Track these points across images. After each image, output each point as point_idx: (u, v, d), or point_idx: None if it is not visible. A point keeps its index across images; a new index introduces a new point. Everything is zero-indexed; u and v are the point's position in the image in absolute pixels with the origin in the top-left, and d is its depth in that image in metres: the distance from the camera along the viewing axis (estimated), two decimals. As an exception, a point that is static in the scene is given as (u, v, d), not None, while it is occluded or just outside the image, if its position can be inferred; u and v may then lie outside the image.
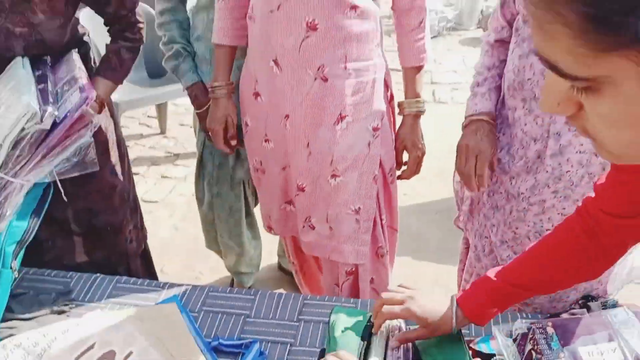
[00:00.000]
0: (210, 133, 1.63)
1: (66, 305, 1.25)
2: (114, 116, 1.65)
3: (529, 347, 0.99)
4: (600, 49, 0.42)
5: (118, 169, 1.65)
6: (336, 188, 1.48)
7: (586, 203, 0.93)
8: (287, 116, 1.45)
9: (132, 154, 3.48)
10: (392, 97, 1.58)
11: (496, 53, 1.37)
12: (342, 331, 1.03)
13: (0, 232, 1.20)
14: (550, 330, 1.00)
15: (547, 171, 1.24)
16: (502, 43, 1.37)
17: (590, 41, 0.42)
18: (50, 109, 1.25)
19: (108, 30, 1.56)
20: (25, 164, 1.22)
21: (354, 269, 1.58)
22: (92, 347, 1.03)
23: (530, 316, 1.19)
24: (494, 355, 1.04)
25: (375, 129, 1.45)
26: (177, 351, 1.00)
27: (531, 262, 0.97)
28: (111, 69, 1.52)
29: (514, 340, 1.03)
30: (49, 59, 1.44)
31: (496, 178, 1.37)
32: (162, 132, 3.80)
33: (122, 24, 1.53)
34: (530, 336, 1.01)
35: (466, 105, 1.39)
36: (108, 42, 1.56)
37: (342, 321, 1.06)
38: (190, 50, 1.77)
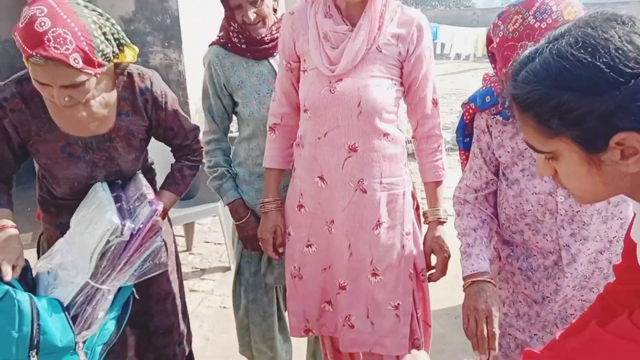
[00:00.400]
0: (261, 242, 1.84)
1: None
2: (171, 229, 1.87)
3: None
4: (546, 136, 0.79)
5: (173, 276, 1.83)
6: (377, 285, 1.66)
7: (606, 287, 1.08)
8: (332, 221, 1.68)
9: (161, 269, 3.65)
10: (417, 207, 1.78)
11: (477, 213, 1.49)
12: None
13: (93, 334, 1.34)
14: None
15: (566, 277, 1.40)
16: (484, 198, 1.51)
17: (540, 133, 0.79)
18: (128, 223, 1.45)
19: (173, 154, 1.83)
20: (111, 272, 1.40)
21: None
22: None
23: None
24: None
25: (407, 234, 1.66)
26: None
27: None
28: (175, 183, 1.79)
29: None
30: (119, 181, 1.68)
31: (512, 288, 1.51)
32: (188, 249, 3.99)
33: (186, 151, 1.82)
34: None
35: (462, 267, 1.43)
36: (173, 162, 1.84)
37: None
38: (232, 173, 2.02)
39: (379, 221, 1.64)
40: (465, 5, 27.06)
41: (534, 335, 1.51)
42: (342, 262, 1.68)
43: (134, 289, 1.56)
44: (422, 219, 1.80)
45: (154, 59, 5.04)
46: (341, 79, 1.57)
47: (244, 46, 1.90)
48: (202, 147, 1.84)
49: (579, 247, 1.38)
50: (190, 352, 1.99)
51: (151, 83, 1.68)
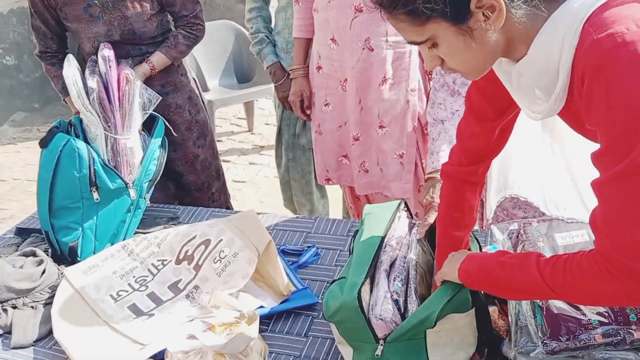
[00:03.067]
0: (291, 104, 2.06)
1: (174, 225, 1.68)
2: (198, 104, 2.08)
3: (516, 237, 1.28)
4: (419, 24, 0.82)
5: (201, 142, 2.08)
6: (384, 137, 1.85)
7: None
8: (345, 80, 1.85)
9: (224, 146, 4.02)
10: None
11: (449, 104, 1.52)
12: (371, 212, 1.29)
13: (139, 175, 1.62)
14: (535, 224, 1.28)
15: None
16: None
17: (414, 23, 0.83)
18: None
19: (175, 24, 1.98)
20: (115, 122, 1.58)
21: None
22: (194, 237, 1.44)
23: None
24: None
25: (412, 90, 1.80)
26: (254, 239, 1.38)
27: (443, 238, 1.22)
28: (167, 46, 1.91)
29: (509, 236, 1.31)
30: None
31: None
32: (250, 129, 4.31)
33: (183, 22, 1.93)
34: (519, 231, 1.29)
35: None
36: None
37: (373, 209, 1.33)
38: (271, 39, 2.21)
39: (384, 77, 1.78)
40: None
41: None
42: (355, 116, 1.86)
43: (163, 120, 1.75)
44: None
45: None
46: None
47: None
48: (200, 24, 1.95)
49: None
50: (228, 208, 2.29)
51: None
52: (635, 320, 1.00)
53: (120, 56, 1.79)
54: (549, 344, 1.00)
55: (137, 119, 1.65)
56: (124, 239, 1.58)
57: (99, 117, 1.58)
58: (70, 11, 1.80)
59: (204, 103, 2.17)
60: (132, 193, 1.61)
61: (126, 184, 1.59)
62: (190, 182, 2.11)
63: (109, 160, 1.59)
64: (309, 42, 1.99)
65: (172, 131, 1.91)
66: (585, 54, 0.76)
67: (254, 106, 4.29)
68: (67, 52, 1.94)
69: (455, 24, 0.81)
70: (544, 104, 0.88)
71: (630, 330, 0.99)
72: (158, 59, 1.90)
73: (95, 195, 1.54)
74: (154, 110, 1.73)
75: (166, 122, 1.80)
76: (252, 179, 3.53)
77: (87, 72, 1.63)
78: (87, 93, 1.57)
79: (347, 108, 1.89)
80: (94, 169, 1.53)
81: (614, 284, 0.78)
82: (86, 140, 1.61)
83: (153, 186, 1.69)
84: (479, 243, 1.30)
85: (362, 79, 1.80)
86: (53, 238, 1.53)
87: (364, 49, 1.77)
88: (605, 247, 0.78)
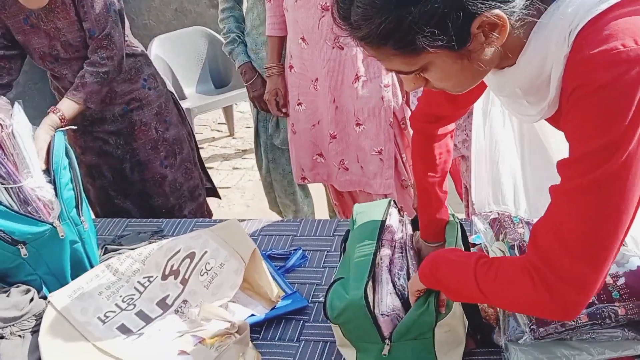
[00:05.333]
0: (267, 102, 2.05)
1: (159, 239, 1.67)
2: (169, 121, 1.99)
3: (497, 226, 1.28)
4: (412, 56, 0.76)
5: (169, 161, 2.00)
6: (361, 134, 1.86)
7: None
8: (316, 79, 1.85)
9: (206, 153, 4.00)
10: None
11: None
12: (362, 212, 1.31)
13: (60, 209, 1.41)
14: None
15: None
16: None
17: (406, 56, 0.76)
18: None
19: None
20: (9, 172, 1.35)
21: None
22: (178, 251, 1.43)
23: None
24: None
25: (386, 86, 1.80)
26: (239, 248, 1.37)
27: (423, 192, 1.24)
28: (73, 89, 1.74)
29: (490, 225, 1.32)
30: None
31: None
32: (231, 134, 4.29)
33: (93, 46, 1.75)
34: (499, 219, 1.30)
35: None
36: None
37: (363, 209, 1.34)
38: (242, 39, 2.22)
39: (357, 75, 1.78)
40: None
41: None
42: (330, 115, 1.87)
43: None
44: None
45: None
46: None
47: None
48: (112, 51, 1.75)
49: None
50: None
51: None
52: (618, 297, 1.01)
53: (71, 74, 1.76)
54: (536, 330, 1.01)
55: (34, 160, 1.43)
56: (91, 267, 1.49)
57: None
58: (13, 24, 1.77)
59: (182, 118, 2.10)
60: (61, 231, 1.42)
61: (51, 224, 1.40)
62: (159, 205, 2.04)
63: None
64: (282, 39, 1.98)
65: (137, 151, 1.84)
66: (576, 69, 0.72)
67: (233, 110, 4.28)
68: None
69: (456, 50, 0.75)
70: (535, 108, 0.85)
71: (614, 308, 1.00)
72: (67, 105, 1.72)
73: (24, 251, 1.36)
74: (119, 126, 1.69)
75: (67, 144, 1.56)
76: (237, 183, 3.52)
77: None
78: None
79: (320, 107, 1.90)
80: (1, 230, 1.32)
81: (533, 292, 0.77)
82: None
83: (85, 207, 1.54)
84: (462, 227, 1.29)
85: (335, 78, 1.81)
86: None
87: (333, 47, 1.77)
88: (537, 254, 0.77)
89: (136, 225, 1.77)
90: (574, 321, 1.00)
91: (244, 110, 4.62)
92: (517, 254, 1.13)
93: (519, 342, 1.03)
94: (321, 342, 1.23)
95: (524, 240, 1.16)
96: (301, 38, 1.81)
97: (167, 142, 1.99)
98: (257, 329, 1.29)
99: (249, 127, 4.38)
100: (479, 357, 1.12)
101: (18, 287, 1.40)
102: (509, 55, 0.80)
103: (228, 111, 4.20)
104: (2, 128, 1.39)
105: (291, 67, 1.92)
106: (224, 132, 4.36)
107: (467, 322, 1.08)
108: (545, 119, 0.90)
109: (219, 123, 4.53)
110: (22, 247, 1.35)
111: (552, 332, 1.00)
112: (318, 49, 1.79)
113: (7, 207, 1.34)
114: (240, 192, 3.40)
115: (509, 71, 0.82)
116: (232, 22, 2.21)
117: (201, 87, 4.12)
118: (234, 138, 4.25)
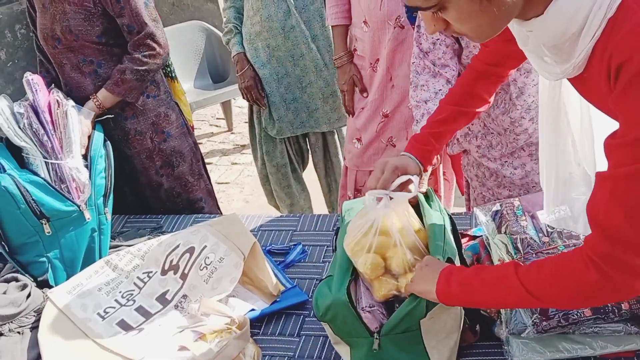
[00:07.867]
0: (346, 93, 2.01)
1: (158, 235, 1.66)
2: (167, 131, 1.89)
3: (499, 218, 1.28)
4: None
5: (165, 171, 1.92)
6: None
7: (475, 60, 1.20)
8: (377, 60, 1.89)
9: (205, 148, 3.98)
10: None
11: (432, 85, 1.54)
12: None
13: (90, 194, 1.52)
14: (517, 203, 1.28)
15: (517, 109, 1.51)
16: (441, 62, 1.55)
17: None
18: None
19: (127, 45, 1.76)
20: (53, 147, 1.48)
21: None
22: (177, 246, 1.42)
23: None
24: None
25: None
26: (239, 242, 1.36)
27: (443, 107, 1.23)
28: (112, 82, 1.74)
29: (492, 217, 1.31)
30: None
31: (482, 122, 1.63)
32: (230, 129, 4.27)
33: (134, 43, 1.72)
34: (502, 211, 1.29)
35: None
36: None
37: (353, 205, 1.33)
38: (240, 30, 2.23)
39: None
40: None
41: (505, 162, 1.64)
42: (385, 94, 1.90)
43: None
44: None
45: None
46: None
47: None
48: (153, 50, 1.73)
49: (524, 80, 1.49)
50: None
51: None
52: (622, 291, 1.00)
53: (70, 66, 1.76)
54: (539, 324, 1.00)
55: (77, 142, 1.54)
56: (100, 258, 1.53)
57: (34, 144, 1.48)
58: (36, 2, 1.75)
59: (187, 130, 1.98)
60: (87, 215, 1.51)
61: (78, 206, 1.48)
62: (155, 207, 1.99)
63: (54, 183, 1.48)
64: (346, 28, 1.98)
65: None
66: (624, 39, 0.67)
67: (232, 105, 4.25)
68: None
69: None
70: (557, 66, 0.82)
71: (618, 303, 1.00)
72: (104, 96, 1.75)
73: (47, 228, 1.45)
74: (111, 132, 1.70)
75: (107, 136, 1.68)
76: (236, 179, 3.51)
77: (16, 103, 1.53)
78: (16, 121, 1.49)
79: (372, 89, 1.93)
80: (33, 199, 1.41)
81: (596, 280, 0.76)
82: (24, 167, 1.50)
83: (111, 199, 1.61)
84: (452, 219, 1.24)
85: (395, 57, 1.84)
86: (25, 273, 1.46)
87: (395, 27, 1.79)
88: (604, 237, 0.75)
89: (135, 222, 1.77)
90: (577, 315, 0.99)
91: (242, 105, 4.59)
92: (521, 248, 1.13)
93: (522, 335, 1.02)
94: (321, 337, 1.22)
95: (526, 233, 1.15)
96: (363, 21, 1.85)
97: (163, 153, 1.91)
98: (258, 324, 1.28)
99: (247, 122, 4.35)
100: (480, 350, 1.12)
101: (14, 282, 1.40)
102: (535, 5, 0.76)
103: (226, 106, 4.17)
104: (59, 105, 1.55)
105: (355, 50, 1.96)
106: (222, 127, 4.34)
107: (462, 313, 1.07)
108: (569, 80, 0.87)
109: (217, 118, 4.51)
110: (46, 224, 1.44)
111: (555, 325, 1.00)
112: (380, 30, 1.82)
113: (45, 180, 1.45)
114: (239, 188, 3.39)
115: (535, 22, 0.78)
116: (232, 13, 2.22)
117: (199, 82, 4.09)
118: (232, 133, 4.23)
